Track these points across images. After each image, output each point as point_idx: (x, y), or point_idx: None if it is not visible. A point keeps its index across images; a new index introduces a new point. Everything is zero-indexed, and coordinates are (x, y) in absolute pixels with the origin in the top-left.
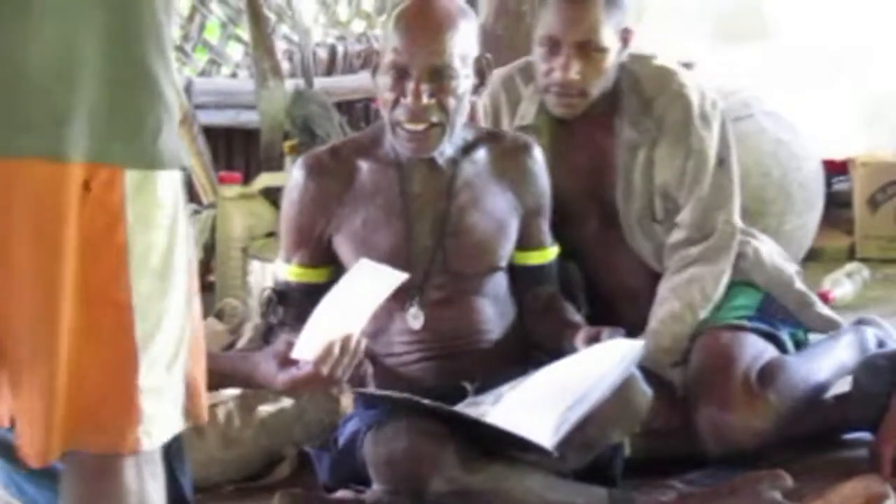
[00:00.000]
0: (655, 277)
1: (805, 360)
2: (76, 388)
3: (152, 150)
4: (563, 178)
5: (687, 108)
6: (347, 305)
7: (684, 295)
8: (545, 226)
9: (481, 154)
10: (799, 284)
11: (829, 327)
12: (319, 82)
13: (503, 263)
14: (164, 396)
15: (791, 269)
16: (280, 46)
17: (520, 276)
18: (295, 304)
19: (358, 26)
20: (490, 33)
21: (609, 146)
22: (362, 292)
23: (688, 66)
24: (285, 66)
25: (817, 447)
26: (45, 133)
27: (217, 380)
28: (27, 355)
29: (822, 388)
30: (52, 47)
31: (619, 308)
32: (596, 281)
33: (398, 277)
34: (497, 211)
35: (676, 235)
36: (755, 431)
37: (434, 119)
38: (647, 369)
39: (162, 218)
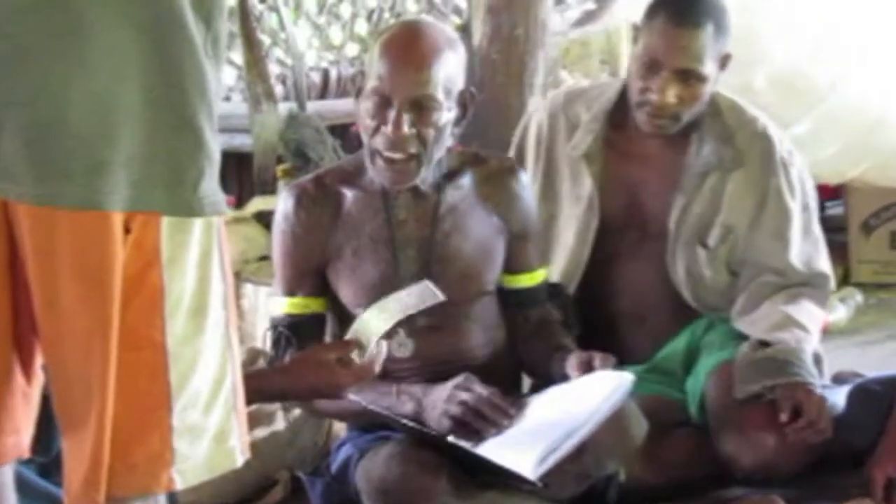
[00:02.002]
0: (673, 302)
1: None
2: (112, 429)
3: (191, 199)
4: (613, 193)
5: (770, 150)
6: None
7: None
8: (533, 248)
9: (466, 179)
10: (820, 348)
11: None
12: (313, 106)
13: (491, 287)
14: (203, 436)
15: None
16: (273, 70)
17: (509, 299)
18: (303, 338)
19: (351, 50)
20: (484, 57)
21: (675, 164)
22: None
23: None
24: (279, 89)
25: (810, 471)
26: (84, 182)
27: (258, 398)
28: (80, 397)
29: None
30: (94, 96)
31: (622, 329)
32: (611, 295)
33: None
34: (482, 235)
35: (767, 278)
36: (793, 452)
37: (412, 150)
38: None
39: (196, 259)
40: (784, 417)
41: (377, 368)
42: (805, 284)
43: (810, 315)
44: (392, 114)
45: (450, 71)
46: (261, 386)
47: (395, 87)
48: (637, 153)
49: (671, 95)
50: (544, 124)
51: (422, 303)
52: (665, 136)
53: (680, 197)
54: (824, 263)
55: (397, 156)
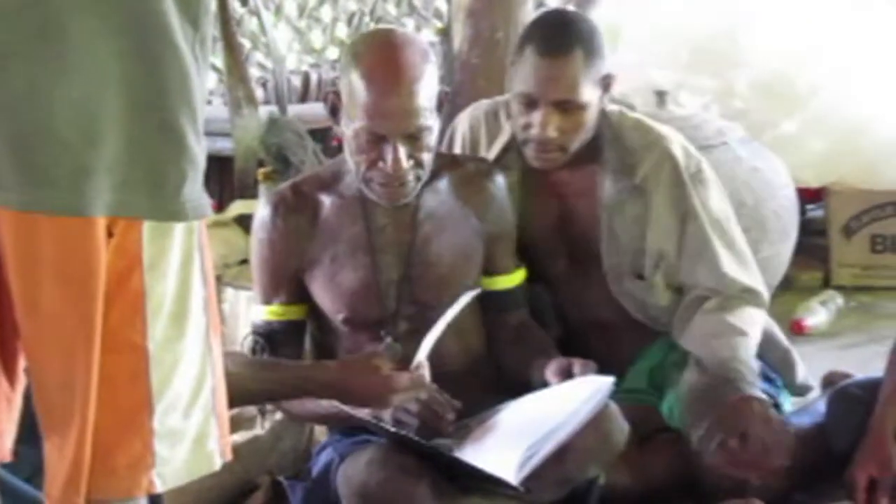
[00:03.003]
0: (630, 317)
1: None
2: (93, 433)
3: (174, 204)
4: (533, 217)
5: (676, 169)
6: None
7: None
8: (510, 250)
9: (443, 182)
10: (786, 343)
11: (800, 394)
12: (294, 109)
13: None
14: (183, 439)
15: (774, 325)
16: (254, 74)
17: (487, 302)
18: (280, 345)
19: (332, 53)
20: (465, 62)
21: (589, 193)
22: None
23: (661, 94)
24: (259, 93)
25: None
26: (68, 188)
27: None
28: (62, 400)
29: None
30: (76, 102)
31: (591, 338)
32: (565, 314)
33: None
34: (461, 239)
35: (698, 293)
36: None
37: (410, 177)
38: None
39: (178, 263)
40: (734, 443)
41: (427, 378)
42: (738, 296)
43: (747, 316)
44: (388, 151)
45: (431, 89)
46: (313, 374)
47: (388, 126)
48: (548, 184)
49: (552, 129)
50: (467, 135)
51: (459, 306)
52: (570, 166)
53: (604, 231)
54: (751, 278)
55: (396, 184)
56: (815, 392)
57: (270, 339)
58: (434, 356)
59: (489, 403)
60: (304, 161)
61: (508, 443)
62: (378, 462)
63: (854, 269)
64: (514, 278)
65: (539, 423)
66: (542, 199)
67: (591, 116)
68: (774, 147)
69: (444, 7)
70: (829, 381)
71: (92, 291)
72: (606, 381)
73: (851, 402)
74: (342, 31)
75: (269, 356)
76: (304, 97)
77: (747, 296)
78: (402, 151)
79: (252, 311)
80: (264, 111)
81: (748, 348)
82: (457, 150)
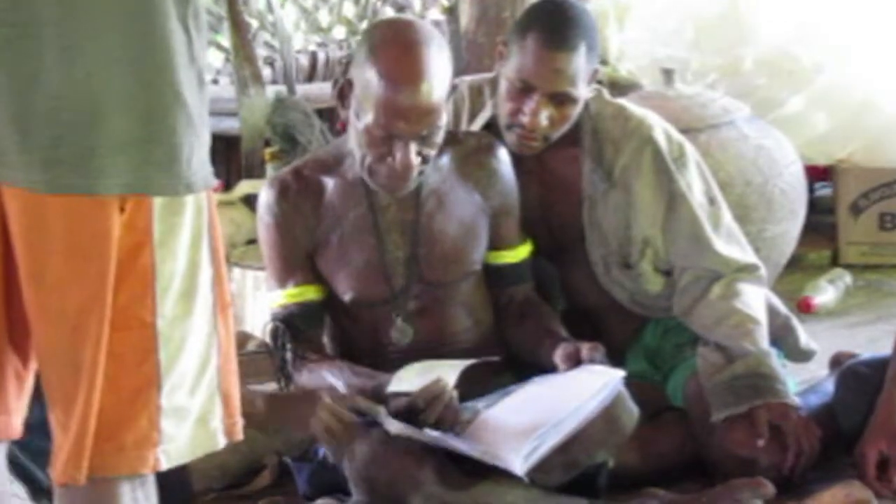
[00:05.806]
0: (613, 298)
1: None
2: (100, 410)
3: (187, 176)
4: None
5: (658, 155)
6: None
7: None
8: (515, 225)
9: (445, 159)
10: (785, 309)
11: (804, 359)
12: (301, 89)
13: (477, 267)
14: (187, 417)
15: (770, 293)
16: (261, 53)
17: (493, 277)
18: (300, 329)
19: (339, 33)
20: (471, 41)
21: (570, 181)
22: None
23: (668, 72)
24: (266, 72)
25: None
26: (72, 168)
27: None
28: (69, 375)
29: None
30: (79, 83)
31: (579, 325)
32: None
33: None
34: (466, 215)
35: (696, 274)
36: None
37: (416, 172)
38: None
39: (188, 241)
40: (761, 443)
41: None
42: (738, 275)
43: (753, 298)
44: (399, 149)
45: (446, 86)
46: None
47: (404, 128)
48: (533, 167)
49: (544, 118)
50: (449, 109)
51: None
52: (552, 155)
53: (587, 223)
54: (745, 253)
55: (401, 179)
56: (823, 371)
57: (290, 323)
58: (446, 332)
59: (499, 381)
60: (310, 141)
61: (514, 432)
62: (383, 445)
63: (862, 248)
64: (519, 252)
65: (547, 414)
66: (522, 183)
67: (578, 109)
68: (781, 125)
69: None
70: (836, 361)
71: (103, 268)
72: (616, 376)
73: (859, 380)
74: (349, 10)
75: (290, 341)
76: (310, 76)
77: (746, 272)
78: (413, 150)
79: (269, 298)
80: (271, 91)
81: (765, 336)
82: None
